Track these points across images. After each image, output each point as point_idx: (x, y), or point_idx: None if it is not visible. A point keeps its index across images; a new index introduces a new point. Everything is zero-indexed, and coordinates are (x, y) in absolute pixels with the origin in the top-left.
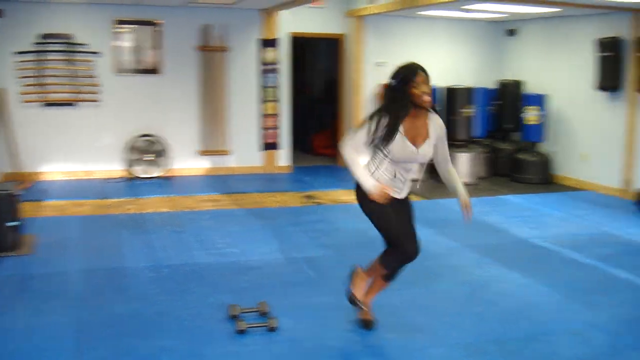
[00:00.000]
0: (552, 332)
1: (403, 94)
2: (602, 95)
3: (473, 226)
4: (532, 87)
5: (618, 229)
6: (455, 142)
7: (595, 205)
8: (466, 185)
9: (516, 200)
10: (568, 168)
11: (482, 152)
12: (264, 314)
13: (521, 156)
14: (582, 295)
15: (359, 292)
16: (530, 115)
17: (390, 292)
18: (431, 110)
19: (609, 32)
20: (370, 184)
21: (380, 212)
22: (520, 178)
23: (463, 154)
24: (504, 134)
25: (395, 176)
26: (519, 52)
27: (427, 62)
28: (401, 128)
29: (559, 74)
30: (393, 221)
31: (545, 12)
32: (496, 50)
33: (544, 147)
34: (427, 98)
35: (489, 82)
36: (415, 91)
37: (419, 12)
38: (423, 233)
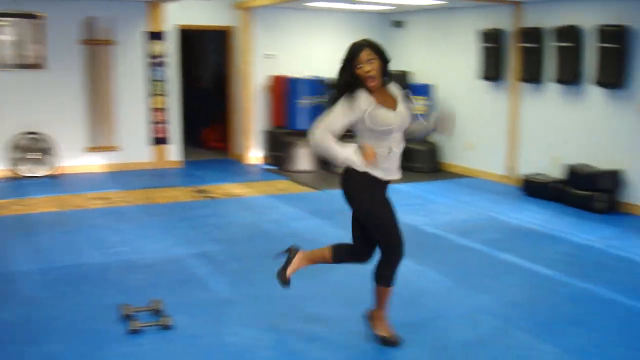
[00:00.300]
0: (443, 316)
1: (349, 75)
2: (486, 84)
3: None
4: (418, 77)
5: (503, 214)
6: (346, 133)
7: (481, 192)
8: None
9: (406, 189)
10: (455, 156)
11: None
12: (157, 312)
13: (410, 145)
14: (471, 280)
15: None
16: (418, 105)
17: None
18: (387, 85)
19: (491, 24)
20: (355, 157)
21: (379, 207)
22: (410, 167)
23: (355, 143)
24: None
25: (391, 151)
26: (405, 43)
27: (316, 54)
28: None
29: (445, 65)
30: (392, 218)
31: (430, 4)
32: (383, 42)
33: (431, 136)
34: (371, 83)
35: None
36: (360, 72)
37: (307, 4)
38: (314, 224)
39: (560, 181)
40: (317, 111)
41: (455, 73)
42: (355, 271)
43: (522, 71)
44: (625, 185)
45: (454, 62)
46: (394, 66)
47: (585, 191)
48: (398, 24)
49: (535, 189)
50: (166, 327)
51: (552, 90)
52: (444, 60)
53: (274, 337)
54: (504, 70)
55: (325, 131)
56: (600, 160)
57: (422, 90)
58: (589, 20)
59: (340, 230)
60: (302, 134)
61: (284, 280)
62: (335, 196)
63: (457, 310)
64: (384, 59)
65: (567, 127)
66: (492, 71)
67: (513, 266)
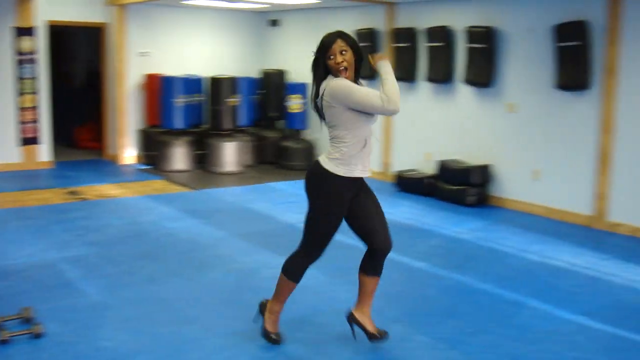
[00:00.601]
0: (320, 312)
1: (322, 67)
2: (361, 83)
3: (240, 214)
4: (295, 76)
5: None
6: (221, 132)
7: None
8: (233, 174)
9: (282, 187)
10: None
11: (248, 140)
12: (28, 320)
13: (286, 144)
14: (346, 275)
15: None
16: (294, 103)
17: (159, 286)
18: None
19: (366, 24)
20: (385, 65)
21: (329, 216)
22: (285, 165)
23: (229, 143)
24: (269, 122)
25: (365, 145)
26: (281, 42)
27: (192, 52)
28: None
29: None
30: (333, 229)
31: (305, 4)
32: (260, 40)
33: (308, 134)
34: (343, 74)
35: (253, 71)
36: (331, 62)
37: (183, 2)
38: (191, 224)
39: (433, 176)
40: (193, 110)
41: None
42: (231, 269)
43: (396, 70)
44: (494, 179)
45: None
46: (270, 65)
47: (456, 186)
48: (274, 23)
49: (409, 185)
50: (37, 336)
51: (424, 88)
52: None
53: (151, 340)
54: None
55: (379, 97)
56: (470, 155)
57: (299, 88)
58: (459, 21)
59: (217, 229)
60: (178, 133)
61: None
62: (212, 195)
63: (333, 305)
64: (357, 52)
65: (439, 124)
66: (367, 70)
67: (387, 260)
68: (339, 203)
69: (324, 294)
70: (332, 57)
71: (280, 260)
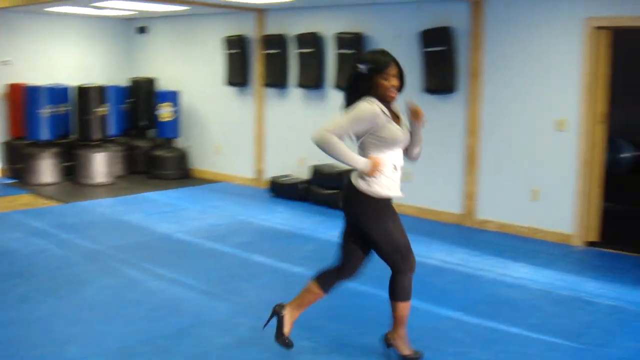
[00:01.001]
0: (200, 323)
1: (370, 83)
2: (232, 90)
3: (114, 227)
4: (165, 83)
5: (254, 216)
6: (90, 142)
7: (231, 196)
8: (104, 185)
9: (155, 197)
10: (204, 162)
11: (118, 150)
12: None
13: (158, 153)
14: (225, 284)
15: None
16: (164, 111)
17: (33, 306)
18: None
19: (235, 31)
20: (362, 161)
21: (392, 230)
22: (158, 174)
23: (98, 153)
24: (139, 132)
25: (395, 168)
26: (150, 50)
27: (58, 61)
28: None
29: (191, 71)
30: (403, 237)
31: (174, 10)
32: (127, 48)
33: (180, 142)
34: (392, 94)
35: (122, 80)
36: (385, 83)
37: (48, 9)
38: (63, 239)
39: (307, 181)
40: (60, 120)
41: (201, 79)
42: (108, 284)
43: (267, 76)
44: None
45: (199, 68)
46: (139, 73)
47: (330, 190)
48: (142, 30)
49: (283, 190)
50: None
51: (295, 94)
52: (189, 67)
53: None
54: (249, 76)
55: (333, 133)
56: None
57: (169, 96)
58: (328, 27)
59: (91, 243)
60: (44, 144)
61: (286, 343)
62: (84, 208)
63: (214, 316)
64: (402, 80)
65: (311, 129)
66: (237, 77)
67: (265, 267)
68: (386, 214)
69: (202, 304)
70: (388, 78)
71: (158, 273)
